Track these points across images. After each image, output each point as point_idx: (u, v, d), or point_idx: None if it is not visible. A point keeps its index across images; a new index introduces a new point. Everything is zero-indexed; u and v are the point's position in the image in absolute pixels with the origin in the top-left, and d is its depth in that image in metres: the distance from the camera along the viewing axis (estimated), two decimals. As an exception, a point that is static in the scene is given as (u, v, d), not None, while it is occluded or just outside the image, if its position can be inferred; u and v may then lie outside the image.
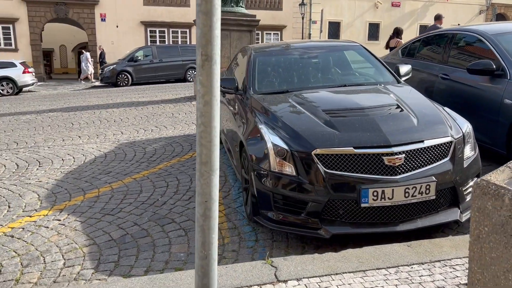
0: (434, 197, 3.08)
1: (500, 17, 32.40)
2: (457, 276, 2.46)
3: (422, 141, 3.15)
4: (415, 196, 3.03)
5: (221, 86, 4.43)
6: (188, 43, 25.65)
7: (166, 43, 25.24)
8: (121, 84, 19.56)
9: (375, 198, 2.98)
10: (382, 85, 4.26)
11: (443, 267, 2.57)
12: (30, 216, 4.06)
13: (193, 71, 20.63)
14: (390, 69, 4.61)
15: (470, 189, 3.36)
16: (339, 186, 3.03)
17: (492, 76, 4.63)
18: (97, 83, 21.31)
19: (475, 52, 5.18)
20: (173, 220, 3.83)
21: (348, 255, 2.78)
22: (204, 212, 1.42)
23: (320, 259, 2.75)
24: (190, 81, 20.13)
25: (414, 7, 30.40)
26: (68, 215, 4.05)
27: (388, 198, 2.99)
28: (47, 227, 3.80)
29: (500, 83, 4.53)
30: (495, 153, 4.66)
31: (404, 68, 4.65)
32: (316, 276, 2.53)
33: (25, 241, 3.56)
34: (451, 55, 5.51)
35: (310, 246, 3.26)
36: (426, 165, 3.13)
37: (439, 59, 5.73)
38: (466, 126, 3.47)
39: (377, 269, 2.58)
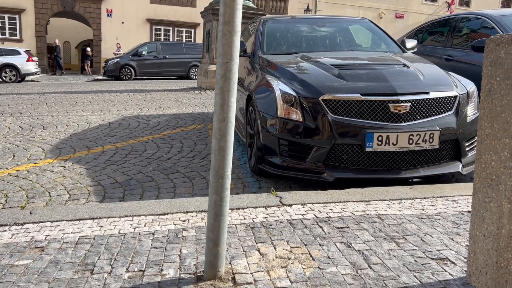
0: (437, 147, 3.13)
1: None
2: (459, 206, 2.51)
3: (428, 93, 3.22)
4: (419, 143, 3.08)
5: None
6: (193, 41, 25.80)
7: (171, 40, 25.39)
8: (124, 78, 19.64)
9: (379, 143, 3.04)
10: (389, 53, 4.34)
11: (445, 201, 2.62)
12: (35, 163, 4.09)
13: (196, 69, 20.75)
14: (397, 41, 4.69)
15: (472, 146, 3.42)
16: (345, 132, 3.08)
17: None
18: (99, 77, 21.39)
19: (479, 33, 5.27)
20: (178, 171, 3.87)
21: (352, 191, 2.83)
22: (224, 73, 1.47)
23: (324, 193, 2.79)
24: (193, 79, 20.25)
25: (418, 19, 30.70)
26: (72, 163, 4.09)
27: (393, 143, 3.04)
28: (52, 171, 3.83)
29: (503, 60, 4.61)
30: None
31: (410, 43, 4.73)
32: (320, 203, 2.57)
33: (31, 180, 3.59)
34: (456, 38, 5.61)
35: (313, 189, 3.30)
36: (430, 116, 3.19)
37: (443, 43, 5.83)
38: (470, 85, 3.54)
39: (380, 200, 2.62)
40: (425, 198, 2.66)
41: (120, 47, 23.84)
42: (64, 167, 3.97)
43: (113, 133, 5.52)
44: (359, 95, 3.12)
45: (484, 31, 5.17)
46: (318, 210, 2.44)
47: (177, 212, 2.46)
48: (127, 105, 8.42)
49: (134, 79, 19.64)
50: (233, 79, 1.50)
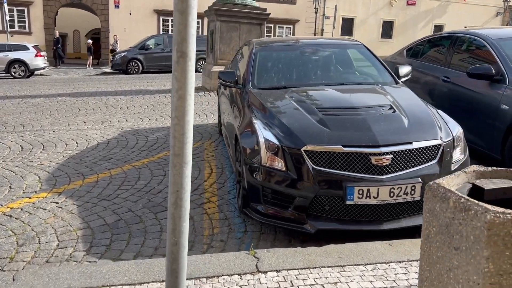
0: (419, 198, 3.13)
1: (517, 20, 31.95)
2: (432, 276, 2.53)
3: (411, 143, 3.20)
4: (400, 196, 3.09)
5: (221, 79, 4.52)
6: (200, 33, 25.68)
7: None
8: (132, 72, 19.71)
9: (360, 196, 3.05)
10: (380, 85, 4.31)
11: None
12: (30, 198, 4.19)
13: (203, 62, 20.71)
14: (389, 69, 4.64)
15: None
16: (326, 183, 3.10)
17: (491, 81, 4.65)
18: (107, 70, 21.49)
19: (477, 56, 5.19)
20: (167, 208, 3.93)
21: (330, 250, 2.86)
22: (175, 201, 1.50)
23: (302, 252, 2.83)
24: (200, 72, 20.24)
25: (430, 6, 30.12)
26: (66, 198, 4.17)
27: (373, 197, 3.05)
28: (45, 209, 3.92)
29: (498, 88, 4.55)
30: (491, 157, 4.70)
31: (404, 69, 4.68)
32: (295, 269, 2.61)
33: (23, 221, 3.68)
34: (454, 58, 5.52)
35: (296, 240, 3.34)
36: (413, 167, 3.18)
37: (442, 61, 5.75)
38: (457, 130, 3.51)
39: (355, 265, 2.65)
40: (400, 262, 2.68)
41: (117, 40, 23.83)
42: (57, 203, 4.06)
43: (110, 155, 5.59)
44: (340, 147, 3.13)
45: (481, 54, 5.08)
46: (291, 282, 2.48)
47: (153, 282, 2.51)
48: (129, 113, 8.48)
49: (141, 73, 19.72)
50: (185, 206, 1.53)
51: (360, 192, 3.04)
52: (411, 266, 2.64)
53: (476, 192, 1.29)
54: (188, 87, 1.42)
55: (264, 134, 3.38)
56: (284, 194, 3.23)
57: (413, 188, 3.10)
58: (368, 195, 3.05)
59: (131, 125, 7.42)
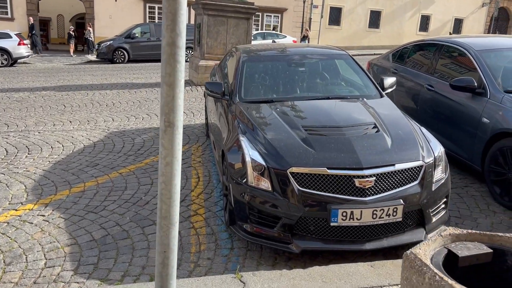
0: (400, 219, 3.23)
1: (503, 11, 32.23)
2: (411, 303, 2.63)
3: (393, 165, 3.28)
4: (382, 217, 3.17)
5: (208, 90, 4.53)
6: (187, 22, 25.39)
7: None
8: (117, 61, 19.49)
9: (344, 218, 3.13)
10: (364, 99, 4.37)
11: (400, 291, 2.74)
12: (16, 210, 4.19)
13: (190, 51, 20.54)
14: (374, 82, 4.70)
15: (437, 210, 3.51)
16: (311, 204, 3.17)
17: (473, 93, 4.74)
18: (93, 58, 21.19)
19: (460, 66, 5.27)
20: (154, 221, 3.97)
21: (314, 273, 2.94)
22: (163, 261, 1.54)
23: (287, 276, 2.90)
24: (187, 61, 20.09)
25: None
26: (52, 210, 4.18)
27: (357, 218, 3.14)
28: (32, 223, 3.93)
29: (480, 101, 4.65)
30: (471, 168, 4.82)
31: (389, 81, 4.74)
32: (280, 295, 2.69)
33: (9, 237, 3.69)
34: (438, 66, 5.60)
35: (281, 258, 3.42)
36: (395, 188, 3.27)
37: (426, 69, 5.82)
38: (438, 150, 3.60)
39: (338, 290, 2.74)
40: (382, 287, 2.77)
41: (90, 27, 23.42)
42: (44, 216, 4.07)
43: (96, 160, 5.59)
44: (325, 169, 3.19)
45: (464, 64, 5.16)
46: (275, 310, 2.56)
47: (141, 310, 2.57)
48: (115, 111, 8.43)
49: (128, 62, 19.51)
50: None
51: (344, 214, 3.12)
52: (391, 291, 2.74)
53: (451, 258, 1.36)
54: (176, 154, 1.45)
55: (251, 153, 3.42)
56: (270, 214, 3.29)
57: (395, 210, 3.19)
58: (351, 217, 3.13)
59: (118, 125, 7.39)
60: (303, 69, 4.74)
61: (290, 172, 3.22)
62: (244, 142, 3.58)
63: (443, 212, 3.59)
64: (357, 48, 26.30)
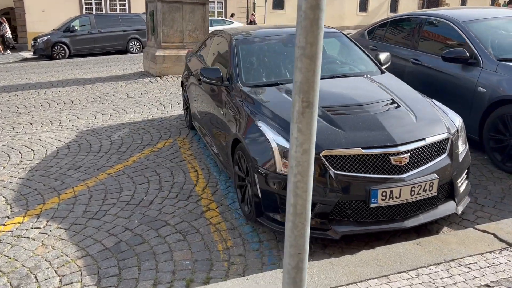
0: (436, 194, 3.17)
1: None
2: (475, 277, 2.57)
3: (424, 139, 3.21)
4: (420, 193, 3.10)
5: (203, 76, 4.24)
6: (127, 11, 24.33)
7: (104, 12, 23.78)
8: (57, 57, 18.27)
9: (383, 198, 3.02)
10: (368, 75, 4.27)
11: (459, 266, 2.68)
12: (4, 225, 3.72)
13: (135, 42, 19.72)
14: (372, 57, 4.62)
15: (462, 182, 3.50)
16: (348, 187, 3.03)
17: (465, 64, 4.79)
18: (28, 55, 19.73)
19: (446, 39, 5.32)
20: (167, 222, 3.67)
21: (365, 258, 2.81)
22: (297, 265, 1.33)
23: (339, 264, 2.75)
24: (133, 53, 19.25)
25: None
26: (47, 221, 3.75)
27: (396, 197, 3.04)
28: (28, 238, 3.50)
29: (473, 71, 4.70)
30: (469, 138, 4.89)
31: (384, 56, 4.69)
32: (342, 285, 2.53)
33: (7, 256, 3.26)
34: (421, 41, 5.62)
35: (316, 246, 3.26)
36: (427, 162, 3.20)
37: (409, 43, 5.83)
38: (458, 120, 3.57)
39: (398, 273, 2.63)
40: (439, 264, 2.70)
41: (5, 22, 21.79)
42: (39, 228, 3.64)
43: (77, 162, 5.12)
44: (359, 149, 3.06)
45: (451, 37, 5.21)
46: (346, 301, 2.40)
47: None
48: (77, 109, 7.83)
49: (69, 57, 18.35)
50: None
51: (384, 194, 3.01)
52: (451, 267, 2.67)
53: None
54: (313, 140, 1.24)
55: (276, 139, 3.21)
56: (303, 202, 3.11)
57: (431, 184, 3.13)
58: (391, 196, 3.03)
59: (86, 123, 6.85)
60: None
61: (323, 156, 3.05)
62: (264, 128, 3.36)
63: (466, 182, 3.59)
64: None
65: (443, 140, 3.30)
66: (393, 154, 3.07)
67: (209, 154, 5.20)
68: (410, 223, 3.14)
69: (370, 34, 6.74)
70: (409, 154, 3.10)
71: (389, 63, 4.73)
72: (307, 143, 1.23)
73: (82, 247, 3.35)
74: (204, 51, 5.57)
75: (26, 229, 3.64)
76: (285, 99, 3.71)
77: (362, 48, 4.76)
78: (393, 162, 3.06)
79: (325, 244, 3.27)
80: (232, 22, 22.53)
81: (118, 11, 24.13)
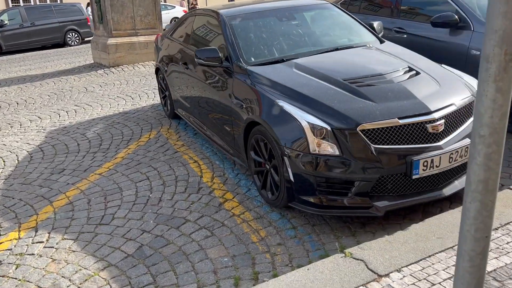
0: (470, 158, 3.12)
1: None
2: (539, 237, 2.54)
3: (454, 104, 3.13)
4: (457, 160, 3.04)
5: (199, 58, 3.92)
6: (59, 1, 22.78)
7: (32, 3, 22.11)
8: (-12, 55, 16.76)
9: (425, 168, 2.92)
10: (370, 45, 4.15)
11: (516, 229, 2.64)
12: (-1, 243, 3.26)
13: (73, 34, 18.51)
14: (368, 27, 4.49)
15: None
16: (389, 161, 2.89)
17: (455, 28, 4.79)
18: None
19: (429, 5, 5.29)
20: (185, 219, 3.38)
21: (420, 231, 2.70)
22: (483, 250, 1.15)
23: (395, 241, 2.63)
24: (72, 45, 18.08)
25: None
26: (48, 233, 3.33)
27: (436, 166, 2.95)
28: (33, 254, 3.08)
29: (464, 35, 4.71)
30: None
31: (378, 25, 4.58)
32: (412, 263, 2.40)
33: (15, 278, 2.84)
34: (403, 8, 5.57)
35: (355, 226, 3.12)
36: (459, 127, 3.14)
37: (388, 13, 5.78)
38: (475, 83, 3.53)
39: (461, 243, 2.54)
40: (497, 229, 2.64)
41: None
42: (43, 242, 3.22)
43: (58, 165, 4.64)
44: (396, 120, 2.92)
45: (437, 3, 5.18)
46: (426, 279, 2.27)
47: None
48: (34, 109, 7.16)
49: (1, 54, 16.90)
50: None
51: (425, 164, 2.91)
52: (510, 230, 2.62)
53: None
54: (509, 102, 1.05)
55: (305, 117, 3.00)
56: (341, 181, 2.95)
57: (466, 149, 3.07)
58: (431, 165, 2.93)
59: (51, 123, 6.26)
60: (296, 23, 4.32)
61: (360, 130, 2.88)
62: (287, 107, 3.13)
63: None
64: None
65: (469, 103, 3.25)
66: (429, 122, 2.96)
67: (203, 143, 4.90)
68: (448, 191, 3.07)
69: (343, 6, 6.62)
70: (443, 120, 3.01)
71: (382, 32, 4.63)
72: (505, 106, 1.04)
73: (101, 257, 2.99)
74: (183, 33, 5.19)
75: (26, 245, 3.21)
76: (299, 75, 3.49)
77: (356, 18, 4.62)
78: (430, 130, 2.96)
79: (363, 223, 3.14)
80: (174, 7, 21.77)
81: (49, 2, 22.54)
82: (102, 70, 10.06)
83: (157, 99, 6.98)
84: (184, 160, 4.46)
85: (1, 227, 3.49)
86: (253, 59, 3.85)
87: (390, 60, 3.69)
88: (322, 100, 3.11)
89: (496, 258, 2.39)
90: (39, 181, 4.29)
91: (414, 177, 2.91)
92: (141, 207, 3.62)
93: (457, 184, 3.13)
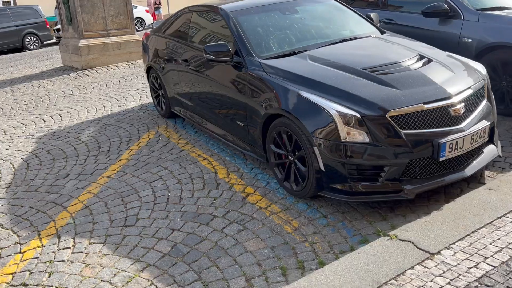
0: (487, 139, 3.28)
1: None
2: None
3: (470, 87, 3.28)
4: (477, 141, 3.19)
5: (209, 53, 3.90)
6: (12, 4, 21.85)
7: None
8: None
9: (450, 150, 3.04)
10: (374, 35, 4.26)
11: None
12: (21, 253, 3.13)
13: (32, 38, 17.83)
14: (368, 19, 4.60)
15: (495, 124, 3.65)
16: (418, 145, 2.99)
17: (446, 17, 4.98)
18: None
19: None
20: (213, 214, 3.36)
21: (454, 210, 2.82)
22: None
23: (435, 221, 2.73)
24: (32, 49, 17.40)
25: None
26: (73, 239, 3.23)
27: (460, 147, 3.08)
28: (63, 261, 2.98)
29: (454, 24, 4.92)
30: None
31: (375, 16, 4.70)
32: (459, 240, 2.51)
33: (52, 286, 2.74)
34: (390, 2, 5.74)
35: (384, 210, 3.21)
36: (475, 109, 3.28)
37: (375, 5, 5.93)
38: (482, 67, 3.70)
39: (498, 218, 2.67)
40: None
41: None
42: (69, 248, 3.12)
43: (61, 171, 4.48)
44: (421, 105, 3.03)
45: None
46: (477, 253, 2.38)
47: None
48: (13, 115, 6.86)
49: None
50: None
51: (451, 146, 3.03)
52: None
53: None
54: None
55: (333, 107, 3.06)
56: (372, 167, 3.03)
57: (484, 130, 3.23)
58: (456, 147, 3.06)
59: (37, 128, 6.03)
60: (299, 16, 4.37)
61: (389, 117, 2.97)
62: (312, 97, 3.18)
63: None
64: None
65: (482, 87, 3.41)
66: (451, 105, 3.09)
67: (207, 140, 4.87)
68: (469, 171, 3.21)
69: None
70: (463, 104, 3.15)
71: (379, 23, 4.76)
72: None
73: (136, 258, 2.94)
74: (180, 30, 5.11)
75: (53, 252, 3.09)
76: (317, 66, 3.54)
77: (355, 10, 4.72)
78: (452, 114, 3.08)
79: (391, 207, 3.23)
80: (136, 7, 21.33)
81: (1, 5, 21.56)
82: (75, 73, 9.75)
83: (144, 100, 6.86)
84: (193, 158, 4.42)
85: (19, 236, 3.35)
86: (264, 53, 3.87)
87: (399, 49, 3.81)
88: (346, 89, 3.17)
89: (534, 229, 2.54)
90: (45, 187, 4.13)
91: (441, 159, 3.03)
92: (163, 206, 3.56)
93: (476, 164, 3.28)
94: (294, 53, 3.84)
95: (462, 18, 4.86)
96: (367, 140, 2.98)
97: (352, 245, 2.84)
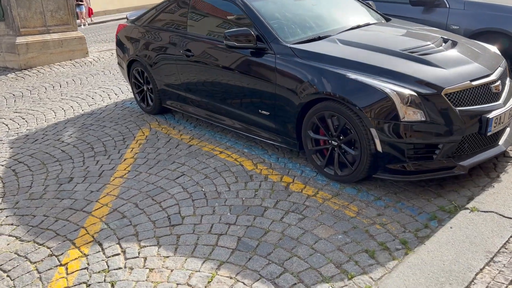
0: (515, 114, 3.50)
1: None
2: None
3: (500, 66, 3.46)
4: (511, 115, 3.37)
5: (232, 40, 3.72)
6: None
7: None
8: None
9: (495, 125, 3.18)
10: (384, 21, 4.34)
11: None
12: (64, 265, 2.73)
13: None
14: (372, 7, 4.68)
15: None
16: (470, 121, 3.09)
17: (431, 6, 5.24)
18: None
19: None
20: (262, 206, 3.20)
21: (502, 184, 2.95)
22: None
23: (502, 192, 2.83)
24: None
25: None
26: (119, 245, 2.89)
27: (502, 122, 3.24)
28: (121, 268, 2.66)
29: (441, 12, 5.18)
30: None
31: (372, 4, 4.80)
32: (538, 206, 2.62)
33: (121, 296, 2.43)
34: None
35: (433, 187, 3.27)
36: (504, 87, 3.47)
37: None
38: (495, 48, 3.92)
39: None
40: None
41: None
42: (119, 254, 2.79)
43: (61, 175, 4.01)
44: (469, 82, 3.13)
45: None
46: None
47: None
48: (-37, 120, 6.04)
49: None
50: None
51: (496, 121, 3.17)
52: None
53: None
54: None
55: (389, 86, 3.05)
56: (427, 145, 3.07)
57: (515, 106, 3.42)
58: (499, 122, 3.21)
59: (3, 133, 5.35)
60: (312, 2, 4.31)
61: (444, 94, 3.03)
62: (363, 78, 3.15)
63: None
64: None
65: (506, 66, 3.61)
66: (492, 82, 3.23)
67: (212, 133, 4.64)
68: (504, 145, 3.39)
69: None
70: (500, 81, 3.31)
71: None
72: None
73: (204, 256, 2.70)
74: (177, 19, 4.78)
75: (102, 260, 2.74)
76: (353, 49, 3.51)
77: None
78: (493, 90, 3.23)
79: (439, 184, 3.30)
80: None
81: None
82: (13, 73, 8.83)
83: (114, 98, 6.40)
84: (208, 152, 4.19)
85: (49, 248, 2.92)
86: (290, 38, 3.77)
87: (422, 32, 3.92)
88: (395, 68, 3.19)
89: None
90: (51, 193, 3.67)
91: (488, 134, 3.15)
92: (204, 202, 3.33)
93: (507, 139, 3.46)
94: (319, 38, 3.79)
95: (448, 6, 5.14)
96: (423, 118, 3.01)
97: (423, 223, 2.86)
